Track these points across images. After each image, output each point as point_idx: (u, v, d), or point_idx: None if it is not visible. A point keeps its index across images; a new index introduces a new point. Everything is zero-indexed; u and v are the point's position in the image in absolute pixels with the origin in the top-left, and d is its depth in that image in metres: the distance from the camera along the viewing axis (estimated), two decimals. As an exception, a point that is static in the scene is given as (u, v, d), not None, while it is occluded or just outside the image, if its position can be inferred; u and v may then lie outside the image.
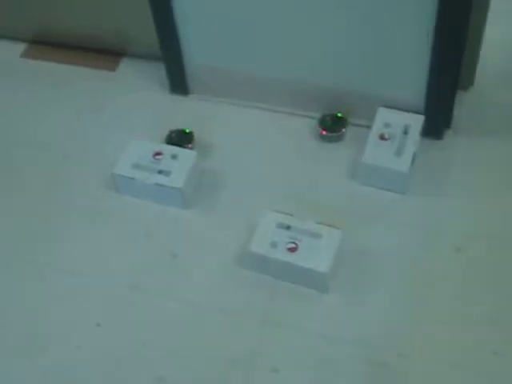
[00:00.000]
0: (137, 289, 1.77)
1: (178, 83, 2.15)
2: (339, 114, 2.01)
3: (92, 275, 1.80)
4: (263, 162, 1.99)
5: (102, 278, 1.80)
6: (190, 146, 1.98)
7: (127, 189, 1.92)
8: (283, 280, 1.72)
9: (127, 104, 2.17)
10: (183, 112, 2.14)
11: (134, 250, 1.84)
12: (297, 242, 1.69)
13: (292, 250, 1.68)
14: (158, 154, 1.90)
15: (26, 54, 2.40)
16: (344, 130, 1.99)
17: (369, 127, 1.93)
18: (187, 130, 2.02)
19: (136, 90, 2.20)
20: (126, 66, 2.30)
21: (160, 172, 1.87)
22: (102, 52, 2.32)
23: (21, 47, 2.41)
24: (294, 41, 1.90)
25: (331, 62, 1.91)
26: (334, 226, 1.72)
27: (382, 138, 1.88)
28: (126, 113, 2.15)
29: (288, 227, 1.72)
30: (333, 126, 2.00)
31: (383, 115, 1.93)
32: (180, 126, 2.04)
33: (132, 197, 1.93)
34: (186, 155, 1.90)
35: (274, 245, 1.69)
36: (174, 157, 1.89)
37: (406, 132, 1.88)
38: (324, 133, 1.99)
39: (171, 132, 2.02)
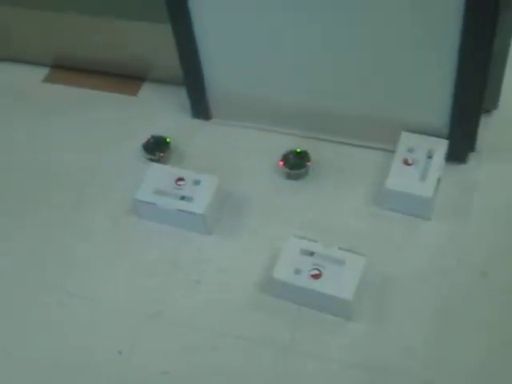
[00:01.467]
0: (159, 317, 1.75)
1: (200, 108, 2.15)
2: (298, 150, 1.99)
3: (114, 302, 1.80)
4: (287, 188, 1.97)
5: (123, 305, 1.79)
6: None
7: (149, 214, 1.91)
8: (307, 307, 1.71)
9: (147, 129, 2.16)
10: (205, 137, 2.13)
11: (155, 277, 1.83)
12: (320, 269, 1.68)
13: (316, 276, 1.67)
14: (181, 179, 1.90)
15: (47, 79, 2.41)
16: (308, 163, 1.98)
17: (392, 152, 1.92)
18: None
19: (158, 114, 2.20)
20: (147, 91, 2.30)
21: (182, 198, 1.86)
22: (124, 77, 2.33)
23: (43, 72, 2.42)
24: (318, 67, 1.89)
25: (355, 87, 1.90)
26: (357, 253, 1.70)
27: (405, 163, 1.86)
28: (146, 137, 2.15)
29: (312, 253, 1.71)
30: (296, 162, 1.98)
31: (407, 140, 1.91)
32: (202, 152, 2.03)
33: (154, 222, 1.92)
34: (209, 181, 1.89)
35: (297, 271, 1.68)
36: (196, 182, 1.89)
37: (430, 156, 1.87)
38: (288, 170, 1.98)
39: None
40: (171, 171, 1.93)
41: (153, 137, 2.08)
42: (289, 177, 1.98)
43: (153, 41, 2.19)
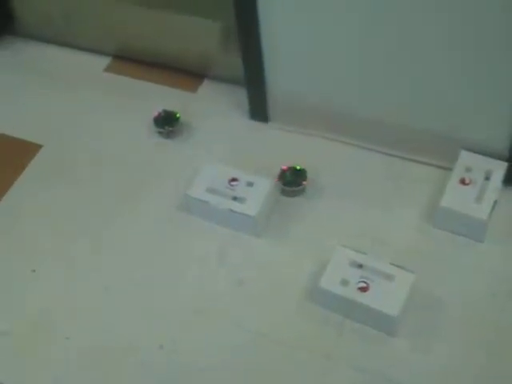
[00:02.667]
0: (201, 313, 1.76)
1: (259, 110, 2.14)
2: (298, 167, 1.99)
3: (158, 295, 1.80)
4: (341, 196, 1.96)
5: (167, 298, 1.79)
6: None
7: (200, 212, 1.92)
8: (351, 319, 1.70)
9: (205, 126, 2.17)
10: (261, 139, 2.13)
11: (201, 274, 1.83)
12: (368, 282, 1.66)
13: (363, 289, 1.65)
14: (234, 180, 1.90)
15: (109, 69, 2.42)
16: (305, 182, 1.97)
17: (449, 169, 1.90)
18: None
19: (215, 112, 2.21)
20: (207, 88, 2.31)
21: (235, 198, 1.86)
22: (185, 72, 2.34)
23: (105, 61, 2.44)
24: (385, 78, 1.87)
25: (418, 101, 1.88)
26: (407, 269, 1.68)
27: (462, 182, 1.84)
28: (203, 135, 2.16)
29: (360, 266, 1.69)
30: (292, 179, 1.98)
31: (465, 159, 1.89)
32: (258, 154, 2.03)
33: (204, 220, 1.92)
34: (262, 183, 1.89)
35: (344, 282, 1.67)
36: (249, 184, 1.88)
37: (487, 178, 1.84)
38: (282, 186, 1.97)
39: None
40: (225, 171, 1.93)
41: (164, 111, 2.15)
42: (283, 193, 1.97)
43: (215, 37, 2.19)
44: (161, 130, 2.14)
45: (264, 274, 1.82)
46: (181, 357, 1.69)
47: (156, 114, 2.16)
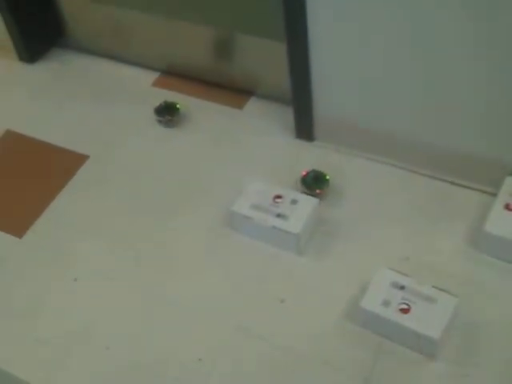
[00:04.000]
0: (241, 330, 1.76)
1: (305, 129, 2.15)
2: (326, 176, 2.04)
3: (199, 310, 1.81)
4: (385, 218, 1.96)
5: (208, 314, 1.80)
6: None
7: (243, 228, 1.93)
8: (391, 340, 1.69)
9: (250, 143, 2.19)
10: (307, 158, 2.14)
11: (242, 290, 1.84)
12: (410, 304, 1.66)
13: (404, 311, 1.65)
14: (279, 197, 1.91)
15: (157, 83, 2.45)
16: (319, 191, 2.00)
17: (494, 195, 1.89)
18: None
19: (261, 130, 2.22)
20: (253, 106, 2.33)
21: (278, 215, 1.87)
22: (232, 89, 2.36)
23: (154, 76, 2.48)
24: (434, 102, 1.87)
25: (468, 126, 1.88)
26: (449, 292, 1.67)
27: (507, 207, 1.83)
28: (248, 152, 2.17)
29: (402, 287, 1.69)
30: (313, 184, 2.02)
31: (510, 185, 1.88)
32: (302, 171, 2.04)
33: (247, 236, 1.94)
34: (307, 201, 1.90)
35: (386, 303, 1.67)
36: (293, 202, 1.89)
37: (532, 204, 1.83)
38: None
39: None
40: (270, 187, 1.94)
41: (165, 102, 2.26)
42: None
43: (264, 56, 2.21)
44: (160, 118, 2.27)
45: (304, 292, 1.82)
46: (219, 370, 1.69)
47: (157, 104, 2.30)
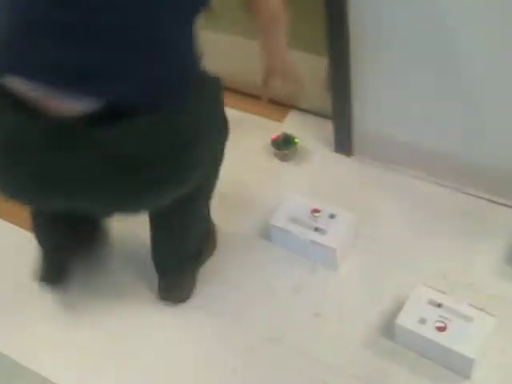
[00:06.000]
0: (276, 342, 1.78)
1: (343, 144, 2.16)
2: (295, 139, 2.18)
3: (236, 321, 1.83)
4: (422, 235, 1.96)
5: (245, 325, 1.82)
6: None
7: (280, 241, 1.94)
8: (426, 357, 1.69)
9: (289, 156, 2.19)
10: (345, 172, 2.15)
11: (278, 303, 1.85)
12: (446, 322, 1.65)
13: (441, 329, 1.64)
14: (317, 211, 1.91)
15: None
16: (286, 151, 2.17)
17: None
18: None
19: (300, 143, 2.23)
20: (293, 119, 2.34)
21: (316, 229, 1.88)
22: (273, 102, 2.36)
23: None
24: (476, 122, 1.87)
25: (502, 143, 1.87)
26: (486, 311, 1.66)
27: (546, 227, 1.82)
28: (287, 165, 2.18)
29: (439, 305, 1.68)
30: (282, 145, 2.18)
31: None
32: (341, 187, 2.04)
33: (284, 249, 1.94)
34: (344, 216, 1.91)
35: (422, 321, 1.66)
36: (331, 216, 1.90)
37: None
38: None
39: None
40: (308, 201, 1.95)
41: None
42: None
43: (307, 70, 2.22)
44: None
45: (340, 307, 1.83)
46: (252, 381, 1.71)
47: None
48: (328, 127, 2.18)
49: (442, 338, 1.63)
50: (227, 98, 2.41)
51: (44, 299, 1.92)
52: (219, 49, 2.35)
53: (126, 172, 1.38)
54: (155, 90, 1.35)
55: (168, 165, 1.41)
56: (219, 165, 1.70)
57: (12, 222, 2.12)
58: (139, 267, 1.94)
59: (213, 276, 1.93)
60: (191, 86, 1.41)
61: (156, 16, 1.32)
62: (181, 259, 1.85)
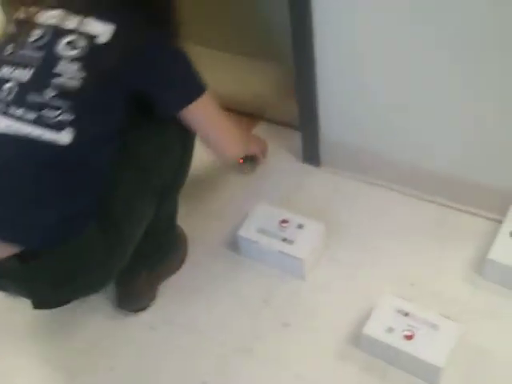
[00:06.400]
0: (246, 353, 1.77)
1: (311, 154, 2.17)
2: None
3: (205, 333, 1.83)
4: (390, 244, 1.97)
5: (213, 337, 1.81)
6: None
7: (249, 252, 1.94)
8: (395, 366, 1.69)
9: (258, 167, 2.20)
10: (313, 183, 2.16)
11: (247, 313, 1.85)
12: (414, 331, 1.66)
13: (408, 337, 1.65)
14: (285, 221, 1.92)
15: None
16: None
17: (500, 222, 1.89)
18: None
19: (269, 154, 2.23)
20: (262, 130, 2.35)
21: (284, 240, 1.88)
22: (241, 113, 2.37)
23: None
24: (440, 133, 1.89)
25: (471, 154, 1.89)
26: (453, 319, 1.68)
27: (512, 235, 1.84)
28: (255, 176, 2.19)
29: (406, 314, 1.69)
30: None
31: (516, 212, 1.89)
32: (309, 198, 2.05)
33: (253, 260, 1.95)
34: (313, 226, 1.91)
35: (389, 330, 1.67)
36: (300, 226, 1.90)
37: (537, 232, 1.84)
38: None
39: None
40: (276, 212, 1.95)
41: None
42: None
43: (273, 82, 2.23)
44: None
45: (309, 316, 1.83)
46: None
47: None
48: (296, 138, 2.19)
49: (409, 347, 1.64)
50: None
51: None
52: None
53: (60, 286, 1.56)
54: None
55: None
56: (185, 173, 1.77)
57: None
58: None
59: (182, 287, 1.93)
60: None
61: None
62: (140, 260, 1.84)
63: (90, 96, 1.46)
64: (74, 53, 1.45)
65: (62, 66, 1.45)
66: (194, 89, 1.59)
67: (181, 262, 1.97)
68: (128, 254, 1.62)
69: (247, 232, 1.92)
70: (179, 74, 1.57)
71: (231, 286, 1.92)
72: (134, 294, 1.88)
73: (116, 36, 1.45)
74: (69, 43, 1.46)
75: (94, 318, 1.89)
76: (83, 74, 1.44)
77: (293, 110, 2.11)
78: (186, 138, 1.70)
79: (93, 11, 1.47)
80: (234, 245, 1.98)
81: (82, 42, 1.45)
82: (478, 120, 1.80)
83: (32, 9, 1.52)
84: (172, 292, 1.92)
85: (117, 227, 1.55)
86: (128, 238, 1.60)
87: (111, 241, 1.54)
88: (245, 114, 2.37)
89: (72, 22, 1.47)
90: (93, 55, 1.45)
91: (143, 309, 1.88)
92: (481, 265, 1.86)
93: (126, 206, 1.57)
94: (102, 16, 1.47)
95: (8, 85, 1.47)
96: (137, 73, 1.50)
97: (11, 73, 1.48)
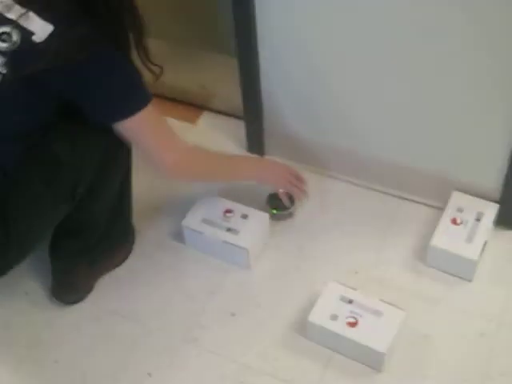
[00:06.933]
0: (192, 343, 1.77)
1: (256, 143, 2.17)
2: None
3: (150, 324, 1.82)
4: (334, 232, 1.98)
5: (159, 327, 1.81)
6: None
7: (194, 242, 1.94)
8: (340, 353, 1.71)
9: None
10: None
11: (193, 304, 1.85)
12: (357, 318, 1.68)
13: (352, 324, 1.67)
14: (229, 211, 1.92)
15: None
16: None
17: (441, 209, 1.92)
18: None
19: (213, 144, 2.20)
20: (206, 120, 2.34)
21: (228, 230, 1.88)
22: (185, 103, 2.37)
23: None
24: (381, 120, 1.92)
25: (412, 141, 1.92)
26: (396, 306, 1.70)
27: (453, 222, 1.86)
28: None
29: (350, 301, 1.71)
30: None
31: (457, 199, 1.92)
32: (255, 187, 2.04)
33: (198, 251, 1.94)
34: (257, 216, 1.91)
35: (333, 317, 1.68)
36: (244, 216, 1.91)
37: (478, 219, 1.86)
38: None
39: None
40: (221, 202, 1.95)
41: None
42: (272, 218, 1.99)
43: (217, 71, 2.22)
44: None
45: (255, 305, 1.84)
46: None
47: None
48: (241, 127, 2.19)
49: (353, 334, 1.65)
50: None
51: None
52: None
53: None
54: None
55: None
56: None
57: None
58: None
59: (127, 278, 1.91)
60: None
61: None
62: (80, 252, 1.82)
63: (5, 94, 1.42)
64: (3, 45, 1.40)
65: None
66: (129, 105, 1.53)
67: (126, 253, 1.95)
68: (26, 250, 1.59)
69: (192, 223, 1.91)
70: (115, 89, 1.50)
71: (176, 276, 1.91)
72: (71, 286, 1.85)
73: (52, 38, 1.39)
74: (2, 34, 1.40)
75: (34, 310, 1.86)
76: (4, 71, 1.40)
77: (237, 100, 2.11)
78: (110, 141, 1.62)
79: (39, 7, 1.41)
80: (180, 236, 1.97)
81: (16, 37, 1.40)
82: (415, 108, 1.83)
83: None
84: (117, 283, 1.90)
85: (10, 225, 1.51)
86: (24, 236, 1.55)
87: (3, 238, 1.51)
88: (189, 104, 2.36)
89: (15, 13, 1.41)
90: (21, 53, 1.40)
91: (78, 301, 1.86)
92: (424, 252, 1.88)
93: (23, 206, 1.53)
94: (46, 14, 1.40)
95: None
96: (65, 83, 1.44)
97: None
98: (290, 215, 2.02)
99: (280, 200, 1.97)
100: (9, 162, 1.50)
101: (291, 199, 1.98)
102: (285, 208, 1.98)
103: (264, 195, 2.01)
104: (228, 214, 1.91)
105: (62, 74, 1.42)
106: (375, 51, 1.75)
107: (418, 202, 2.02)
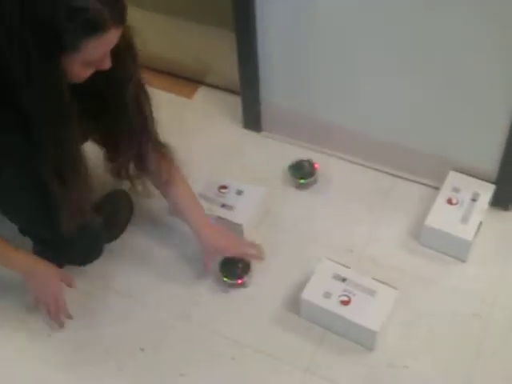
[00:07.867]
0: (184, 319, 1.77)
1: (252, 119, 2.16)
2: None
3: (142, 299, 1.82)
4: (329, 209, 1.98)
5: (151, 303, 1.81)
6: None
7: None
8: (332, 331, 1.71)
9: (199, 133, 2.18)
10: (253, 149, 2.15)
11: (185, 280, 1.85)
12: (350, 296, 1.67)
13: (345, 302, 1.67)
14: (224, 187, 1.91)
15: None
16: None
17: (437, 189, 1.91)
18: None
19: (209, 120, 2.22)
20: (202, 95, 2.33)
21: (223, 206, 1.87)
22: (182, 78, 2.35)
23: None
24: (378, 96, 1.91)
25: (410, 120, 1.91)
26: (390, 285, 1.69)
27: (449, 202, 1.86)
28: (196, 142, 2.16)
29: (344, 279, 1.71)
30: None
31: (454, 179, 1.91)
32: (250, 163, 2.04)
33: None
34: (252, 192, 1.91)
35: (327, 295, 1.68)
36: (239, 192, 1.90)
37: (474, 199, 1.86)
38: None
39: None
40: (215, 178, 1.94)
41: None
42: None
43: (214, 46, 2.21)
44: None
45: (249, 282, 1.83)
46: (161, 361, 1.70)
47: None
48: (237, 103, 2.18)
49: (346, 312, 1.65)
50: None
51: None
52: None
53: None
54: None
55: None
56: None
57: None
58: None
59: (122, 254, 1.91)
60: None
61: None
62: None
63: None
64: None
65: None
66: None
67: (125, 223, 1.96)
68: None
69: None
70: None
71: (171, 251, 1.90)
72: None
73: None
74: None
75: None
76: None
77: (234, 75, 2.09)
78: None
79: None
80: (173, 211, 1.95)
81: None
82: (413, 87, 1.82)
83: None
84: (111, 258, 1.89)
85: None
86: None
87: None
88: (185, 78, 2.35)
89: None
90: None
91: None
92: (418, 231, 1.88)
93: None
94: None
95: None
96: None
97: None
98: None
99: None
100: None
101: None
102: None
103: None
104: (223, 190, 1.91)
105: None
106: (375, 24, 1.74)
107: (414, 181, 2.02)
